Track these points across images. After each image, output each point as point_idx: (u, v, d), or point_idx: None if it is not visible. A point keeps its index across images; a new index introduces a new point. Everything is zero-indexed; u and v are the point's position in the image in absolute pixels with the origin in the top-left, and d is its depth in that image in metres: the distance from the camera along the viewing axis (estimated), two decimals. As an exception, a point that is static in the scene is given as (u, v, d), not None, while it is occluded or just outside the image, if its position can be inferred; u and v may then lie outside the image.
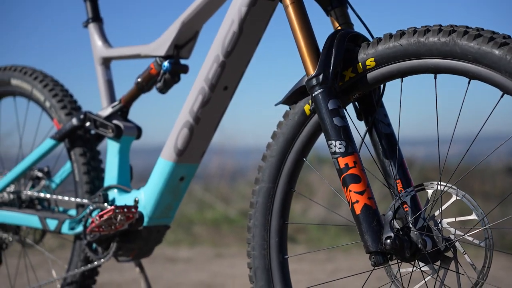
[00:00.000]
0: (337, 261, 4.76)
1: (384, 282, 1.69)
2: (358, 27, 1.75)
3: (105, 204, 2.11)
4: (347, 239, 5.85)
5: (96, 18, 2.34)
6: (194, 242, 5.61)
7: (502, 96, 1.49)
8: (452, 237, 1.55)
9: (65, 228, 2.19)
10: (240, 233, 6.19)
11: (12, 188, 2.39)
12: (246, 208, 7.35)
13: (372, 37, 1.70)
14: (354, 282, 3.66)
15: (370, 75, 1.63)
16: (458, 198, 1.54)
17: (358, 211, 1.56)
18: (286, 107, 1.77)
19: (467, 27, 1.51)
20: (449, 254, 1.56)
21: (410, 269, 1.60)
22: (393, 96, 1.69)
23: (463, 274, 1.55)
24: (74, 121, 2.21)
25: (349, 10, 1.76)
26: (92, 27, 2.32)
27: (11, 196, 2.38)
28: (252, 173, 9.17)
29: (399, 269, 1.61)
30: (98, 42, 2.30)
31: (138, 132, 2.22)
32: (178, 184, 2.04)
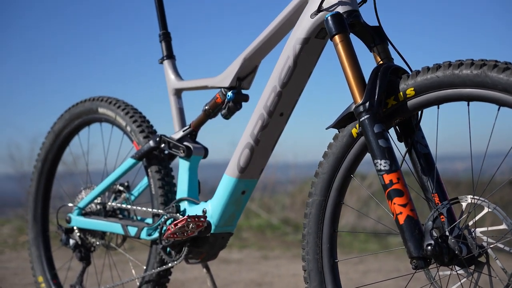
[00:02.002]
0: (367, 263, 4.71)
1: (422, 284, 1.67)
2: (397, 61, 1.74)
3: (177, 214, 2.11)
4: (375, 243, 5.82)
5: (170, 56, 2.35)
6: (243, 245, 5.60)
7: (528, 121, 1.47)
8: (485, 244, 1.53)
9: (143, 234, 2.20)
10: (282, 238, 6.17)
11: (99, 200, 2.41)
12: (286, 216, 7.39)
13: (410, 69, 1.69)
14: (388, 283, 3.65)
15: (410, 103, 1.61)
16: (489, 210, 1.52)
17: (401, 221, 1.55)
18: (335, 131, 1.76)
19: (496, 61, 1.50)
20: (482, 259, 1.54)
21: (448, 273, 1.58)
22: (430, 120, 1.68)
23: (495, 277, 1.52)
24: (151, 143, 2.22)
25: (389, 46, 1.75)
26: (166, 63, 2.34)
27: (98, 206, 2.41)
28: (291, 186, 9.16)
29: (437, 272, 1.59)
30: (171, 76, 2.31)
31: (205, 152, 2.22)
32: (240, 197, 2.04)
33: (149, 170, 2.25)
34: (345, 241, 5.80)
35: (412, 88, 1.59)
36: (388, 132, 1.63)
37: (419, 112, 1.67)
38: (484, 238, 1.53)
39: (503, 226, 1.49)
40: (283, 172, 9.14)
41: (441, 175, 1.68)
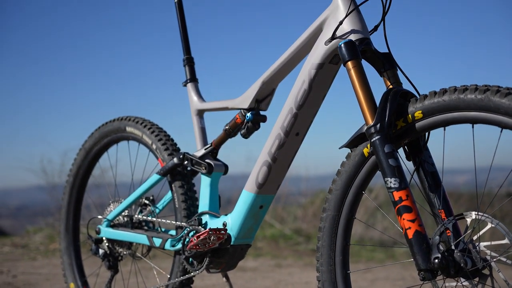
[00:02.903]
0: (375, 272, 4.68)
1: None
2: (406, 85, 1.74)
3: (200, 227, 2.12)
4: (381, 252, 5.78)
5: (193, 79, 2.36)
6: (258, 254, 5.58)
7: (528, 142, 1.47)
8: (489, 258, 1.52)
9: (167, 245, 2.20)
10: (294, 247, 6.15)
11: (126, 212, 2.42)
12: (299, 226, 7.37)
13: (418, 93, 1.69)
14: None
15: (418, 125, 1.61)
16: (492, 225, 1.51)
17: (410, 236, 1.54)
18: (348, 150, 1.76)
19: (499, 86, 1.50)
20: (486, 271, 1.53)
21: (454, 284, 1.57)
22: (436, 140, 1.68)
23: (497, 289, 1.52)
24: (175, 160, 2.23)
25: (398, 72, 1.75)
26: (189, 86, 2.35)
27: (126, 219, 2.41)
28: (302, 198, 9.14)
29: (444, 284, 1.58)
30: (194, 97, 2.33)
31: (225, 168, 2.22)
32: (258, 211, 2.04)
33: (173, 185, 2.26)
34: (353, 250, 5.77)
35: (420, 111, 1.60)
36: (398, 152, 1.63)
37: (427, 133, 1.67)
38: (488, 252, 1.53)
39: (506, 241, 1.49)
40: (295, 185, 9.13)
41: (444, 182, 1.67)
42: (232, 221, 2.05)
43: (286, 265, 5.10)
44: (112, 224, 2.45)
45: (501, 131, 1.50)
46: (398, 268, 4.88)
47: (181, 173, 2.25)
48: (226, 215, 2.09)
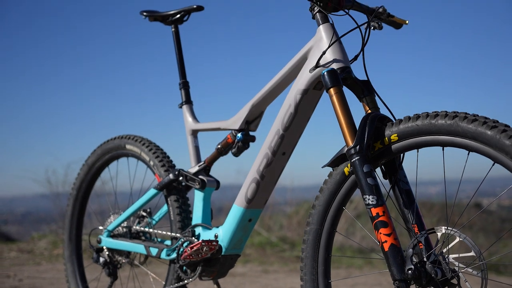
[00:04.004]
0: (354, 277, 4.68)
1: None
2: (383, 110, 1.76)
3: (193, 238, 2.12)
4: (360, 260, 5.78)
5: (188, 101, 2.37)
6: (246, 260, 5.57)
7: (493, 165, 1.48)
8: (457, 269, 1.53)
9: (163, 255, 2.20)
10: (280, 254, 6.14)
11: (125, 224, 2.41)
12: (284, 234, 7.36)
13: (394, 118, 1.70)
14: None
15: (393, 147, 1.63)
16: (460, 239, 1.53)
17: (386, 249, 1.56)
18: (330, 169, 1.77)
19: (466, 113, 1.52)
20: (454, 281, 1.54)
21: (425, 293, 1.58)
22: (410, 161, 1.70)
23: (465, 297, 1.53)
24: (171, 176, 2.23)
25: (376, 98, 1.77)
26: (185, 108, 2.35)
27: (124, 229, 2.41)
28: (288, 207, 9.14)
29: (416, 292, 1.59)
30: (189, 118, 2.33)
31: (217, 184, 2.22)
32: (247, 224, 2.04)
33: (168, 199, 2.25)
34: (334, 257, 5.75)
35: (396, 134, 1.61)
36: (375, 171, 1.64)
37: (402, 155, 1.69)
38: (456, 263, 1.54)
39: (472, 253, 1.50)
40: (281, 195, 9.14)
41: (417, 198, 1.68)
42: (223, 233, 2.05)
43: (273, 270, 5.09)
44: (112, 235, 2.44)
45: (468, 154, 1.52)
46: (376, 274, 4.88)
47: (176, 188, 2.25)
48: (217, 227, 2.09)
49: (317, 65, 1.77)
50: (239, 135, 2.08)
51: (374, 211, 1.58)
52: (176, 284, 2.19)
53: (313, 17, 1.81)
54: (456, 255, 1.54)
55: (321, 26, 1.79)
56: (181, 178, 2.22)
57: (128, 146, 2.44)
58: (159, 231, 2.29)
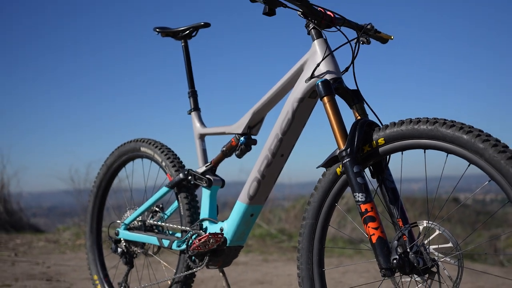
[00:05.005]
0: (345, 266, 4.68)
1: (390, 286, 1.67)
2: (371, 117, 1.75)
3: (201, 231, 2.11)
4: (350, 250, 5.77)
5: (196, 108, 2.36)
6: (248, 251, 5.57)
7: (469, 165, 1.48)
8: (436, 258, 1.53)
9: (174, 246, 2.20)
10: (279, 244, 6.13)
11: (140, 218, 2.41)
12: (283, 227, 7.35)
13: (381, 123, 1.70)
14: (362, 284, 3.62)
15: (380, 149, 1.62)
16: (440, 232, 1.52)
17: (374, 241, 1.55)
18: (323, 169, 1.77)
19: (445, 119, 1.51)
20: (434, 269, 1.54)
21: (408, 279, 1.57)
22: (395, 162, 1.69)
23: (443, 283, 1.53)
24: (181, 175, 2.23)
25: (365, 105, 1.76)
26: (193, 114, 2.35)
27: (139, 223, 2.40)
28: (286, 202, 9.12)
29: (400, 279, 1.59)
30: (197, 124, 2.32)
31: (222, 183, 2.22)
32: (249, 218, 2.03)
33: (179, 196, 2.25)
34: (327, 248, 5.73)
35: (383, 138, 1.61)
36: (364, 172, 1.64)
37: (388, 156, 1.68)
38: (436, 253, 1.54)
39: (450, 244, 1.50)
40: (280, 191, 9.14)
41: (401, 195, 1.68)
42: (227, 226, 2.05)
43: (272, 260, 5.08)
44: (129, 228, 2.43)
45: (447, 156, 1.52)
46: (365, 263, 4.87)
47: (186, 186, 2.24)
48: (223, 221, 2.09)
49: (312, 76, 1.77)
50: (242, 138, 2.07)
51: (363, 207, 1.57)
52: (185, 272, 2.18)
53: (309, 33, 1.81)
54: (436, 246, 1.54)
55: (315, 41, 1.79)
56: (190, 177, 2.22)
57: (142, 149, 2.43)
58: (171, 225, 2.28)
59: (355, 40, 1.77)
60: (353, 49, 1.76)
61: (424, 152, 1.56)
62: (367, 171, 1.69)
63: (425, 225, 1.55)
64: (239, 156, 2.10)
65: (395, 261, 1.52)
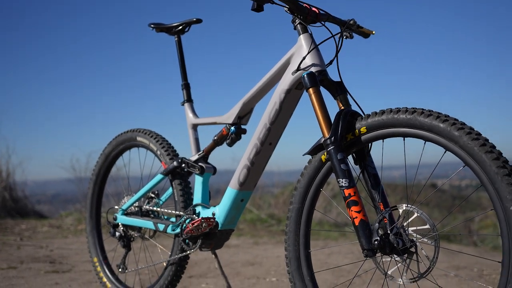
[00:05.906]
0: (330, 247, 4.69)
1: (372, 266, 1.66)
2: (354, 107, 1.74)
3: (194, 216, 2.10)
4: (336, 233, 5.78)
5: (189, 100, 2.34)
6: (239, 234, 5.56)
7: (445, 152, 1.48)
8: (415, 239, 1.53)
9: (169, 230, 2.18)
10: (268, 228, 6.14)
11: (137, 204, 2.39)
12: (272, 212, 7.35)
13: (363, 113, 1.69)
14: (346, 264, 3.64)
15: (363, 138, 1.61)
16: (418, 214, 1.52)
17: (357, 223, 1.54)
18: (309, 156, 1.76)
19: (423, 109, 1.50)
20: (413, 250, 1.54)
21: (389, 259, 1.57)
22: (377, 149, 1.68)
23: (421, 262, 1.53)
24: (175, 163, 2.21)
25: (348, 96, 1.75)
26: (186, 105, 2.33)
27: (136, 208, 2.39)
28: (275, 189, 9.12)
29: (381, 259, 1.59)
30: (190, 114, 2.30)
31: (214, 170, 2.21)
32: (239, 203, 2.03)
33: (173, 183, 2.24)
34: (313, 231, 5.74)
35: (365, 127, 1.60)
36: (347, 158, 1.63)
37: (370, 144, 1.67)
38: (414, 235, 1.53)
39: (427, 226, 1.50)
40: (269, 178, 9.13)
41: (382, 180, 1.68)
42: (219, 211, 2.04)
43: (262, 242, 5.09)
44: (126, 213, 2.42)
45: (424, 143, 1.51)
46: (349, 245, 4.89)
47: (179, 173, 2.23)
48: (214, 206, 2.08)
49: (298, 69, 1.75)
50: (232, 128, 2.06)
51: (347, 192, 1.57)
52: (180, 254, 2.18)
53: (295, 28, 1.79)
54: (414, 228, 1.53)
55: (301, 36, 1.77)
56: (183, 165, 2.20)
57: (138, 138, 2.41)
58: (165, 210, 2.27)
59: (339, 34, 1.76)
60: (337, 43, 1.75)
61: (404, 140, 1.56)
62: (350, 158, 1.68)
63: (404, 208, 1.54)
64: (230, 144, 2.09)
65: (376, 242, 1.52)
